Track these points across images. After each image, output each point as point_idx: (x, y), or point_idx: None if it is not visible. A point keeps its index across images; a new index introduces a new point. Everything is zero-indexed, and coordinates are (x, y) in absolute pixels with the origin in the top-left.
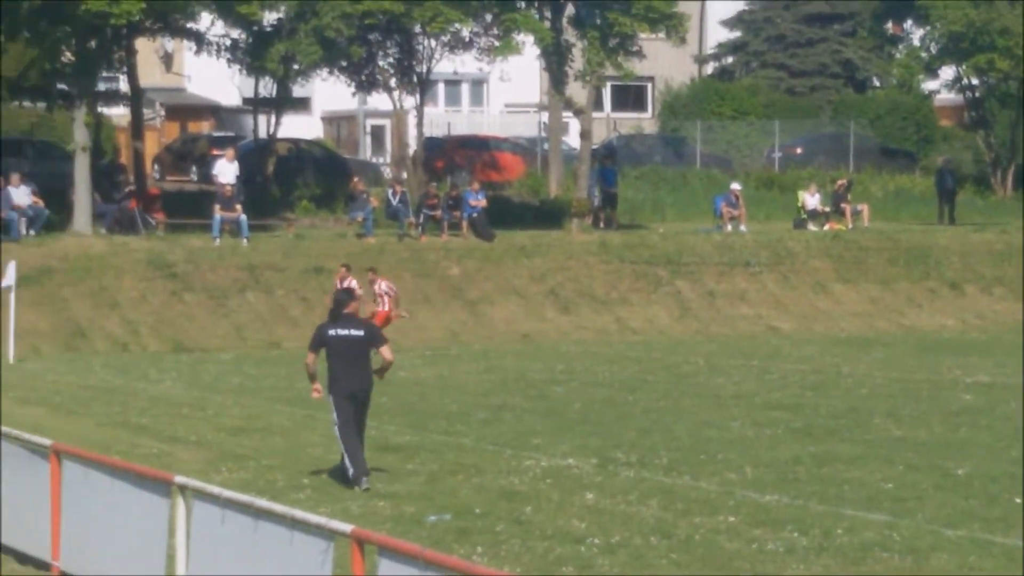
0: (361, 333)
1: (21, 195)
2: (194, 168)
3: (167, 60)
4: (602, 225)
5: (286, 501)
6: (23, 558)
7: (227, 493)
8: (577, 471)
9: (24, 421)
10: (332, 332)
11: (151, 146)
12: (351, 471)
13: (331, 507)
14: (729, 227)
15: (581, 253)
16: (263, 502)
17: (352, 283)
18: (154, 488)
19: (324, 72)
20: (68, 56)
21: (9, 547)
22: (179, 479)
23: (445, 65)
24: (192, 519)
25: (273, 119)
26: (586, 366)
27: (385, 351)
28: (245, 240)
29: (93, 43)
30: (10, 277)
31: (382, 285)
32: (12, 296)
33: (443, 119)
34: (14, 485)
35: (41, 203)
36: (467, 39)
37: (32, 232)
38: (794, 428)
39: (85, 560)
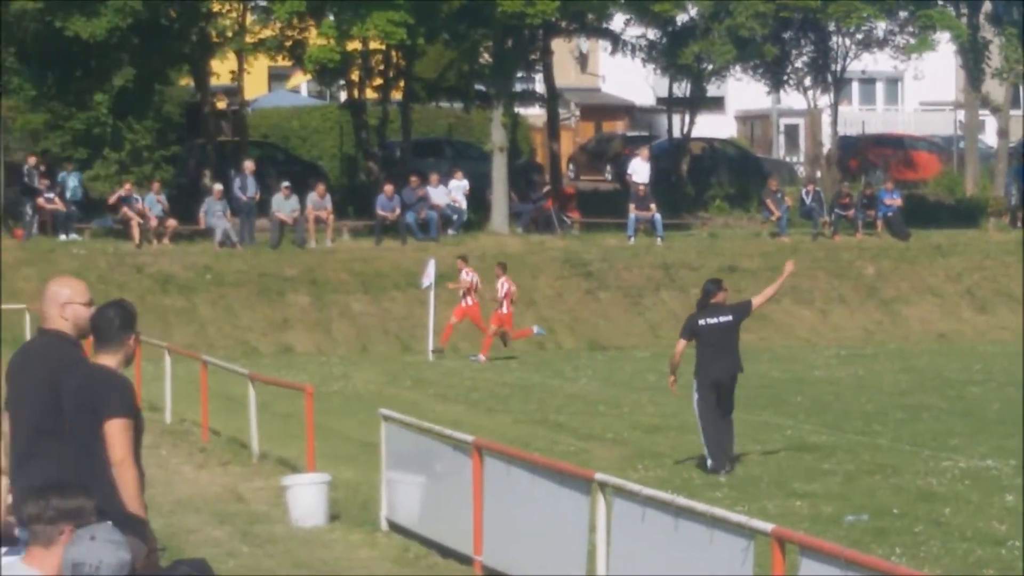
0: (730, 318)
1: (440, 195)
2: (608, 167)
3: (582, 60)
4: (1020, 224)
5: (703, 499)
6: (446, 552)
7: (647, 491)
8: (996, 472)
9: (444, 418)
10: (702, 322)
11: (566, 146)
12: (710, 461)
13: (748, 506)
14: None
15: (998, 252)
16: (683, 500)
17: (470, 276)
18: (574, 485)
19: (738, 71)
20: (485, 57)
21: (433, 541)
22: (599, 476)
23: (859, 63)
24: (612, 516)
25: (687, 118)
26: (1004, 366)
27: (755, 303)
28: (659, 239)
29: (510, 44)
30: (430, 276)
31: (504, 284)
32: (431, 294)
33: (857, 118)
34: (437, 480)
35: (459, 202)
36: (881, 37)
37: (451, 231)
38: None
39: (506, 555)
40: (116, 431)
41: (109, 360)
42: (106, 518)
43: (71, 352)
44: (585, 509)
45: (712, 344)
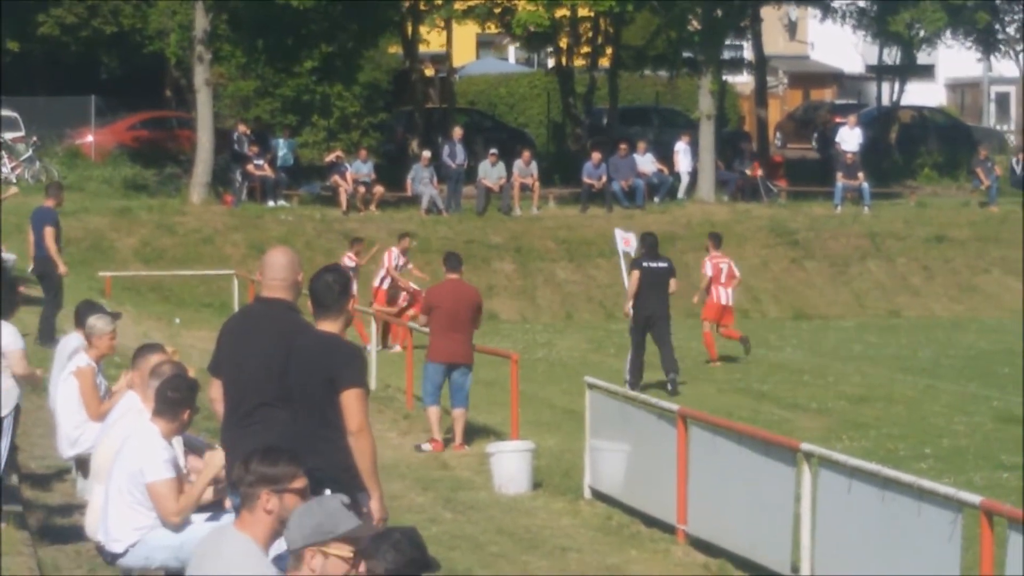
0: (665, 265)
1: (646, 162)
2: (816, 136)
3: (791, 28)
4: None
5: (908, 471)
6: (649, 521)
7: (853, 461)
8: None
9: (648, 386)
10: (645, 264)
11: (774, 114)
12: (628, 378)
13: (954, 478)
14: None
15: None
16: (890, 471)
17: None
18: (780, 455)
19: (948, 38)
20: (694, 24)
21: (636, 509)
22: (805, 446)
23: None
24: (817, 486)
25: (897, 86)
26: None
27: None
28: (867, 208)
29: (719, 11)
30: (633, 245)
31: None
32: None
33: None
34: (641, 449)
35: (666, 170)
36: None
37: (656, 199)
38: None
39: (711, 525)
40: (354, 401)
41: (332, 327)
42: (326, 484)
43: (298, 320)
44: (790, 479)
45: (651, 283)
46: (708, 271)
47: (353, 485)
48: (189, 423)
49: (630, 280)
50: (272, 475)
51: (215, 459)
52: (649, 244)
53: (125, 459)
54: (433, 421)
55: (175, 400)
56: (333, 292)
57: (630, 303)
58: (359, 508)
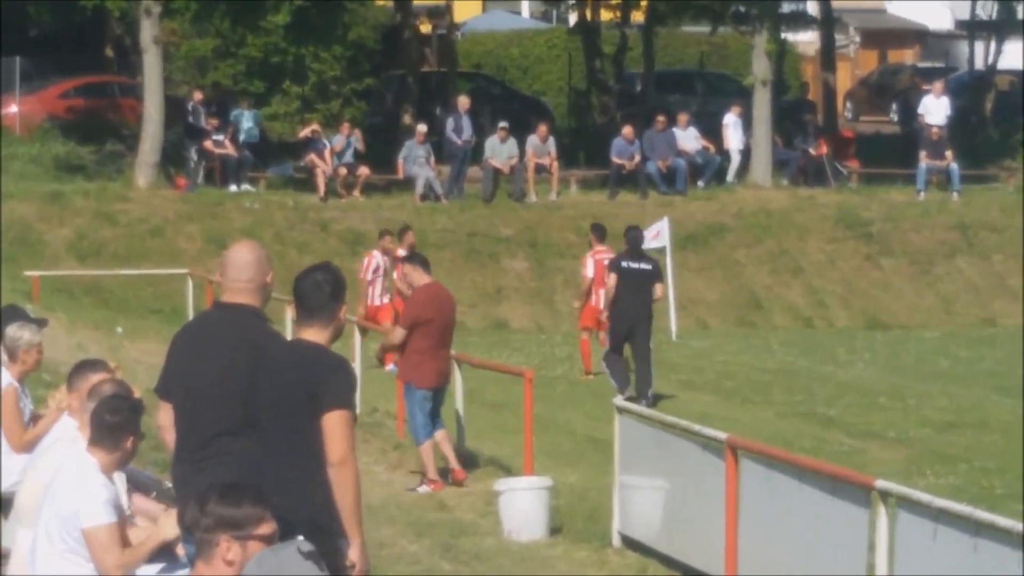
0: (648, 267)
1: (688, 138)
2: (895, 106)
3: None
4: None
5: (1005, 513)
6: (691, 573)
7: (939, 502)
8: None
9: (691, 410)
10: (624, 265)
11: (843, 79)
12: (616, 384)
13: None
14: None
15: None
16: (983, 513)
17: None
18: (850, 494)
19: None
20: None
21: (676, 560)
22: (881, 484)
23: None
24: (896, 532)
25: (992, 46)
26: None
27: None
28: (955, 194)
29: None
30: (663, 236)
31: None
32: (669, 259)
33: None
34: (682, 486)
35: (712, 148)
36: None
37: (700, 183)
38: None
39: None
40: (339, 425)
41: (318, 336)
42: (299, 528)
43: (265, 328)
44: (863, 523)
45: (631, 284)
46: (589, 271)
47: (332, 528)
48: (134, 453)
49: (607, 284)
50: (233, 518)
51: (167, 526)
52: (631, 240)
53: (57, 498)
54: (429, 459)
55: (114, 425)
56: (323, 294)
57: (606, 312)
58: (339, 556)
